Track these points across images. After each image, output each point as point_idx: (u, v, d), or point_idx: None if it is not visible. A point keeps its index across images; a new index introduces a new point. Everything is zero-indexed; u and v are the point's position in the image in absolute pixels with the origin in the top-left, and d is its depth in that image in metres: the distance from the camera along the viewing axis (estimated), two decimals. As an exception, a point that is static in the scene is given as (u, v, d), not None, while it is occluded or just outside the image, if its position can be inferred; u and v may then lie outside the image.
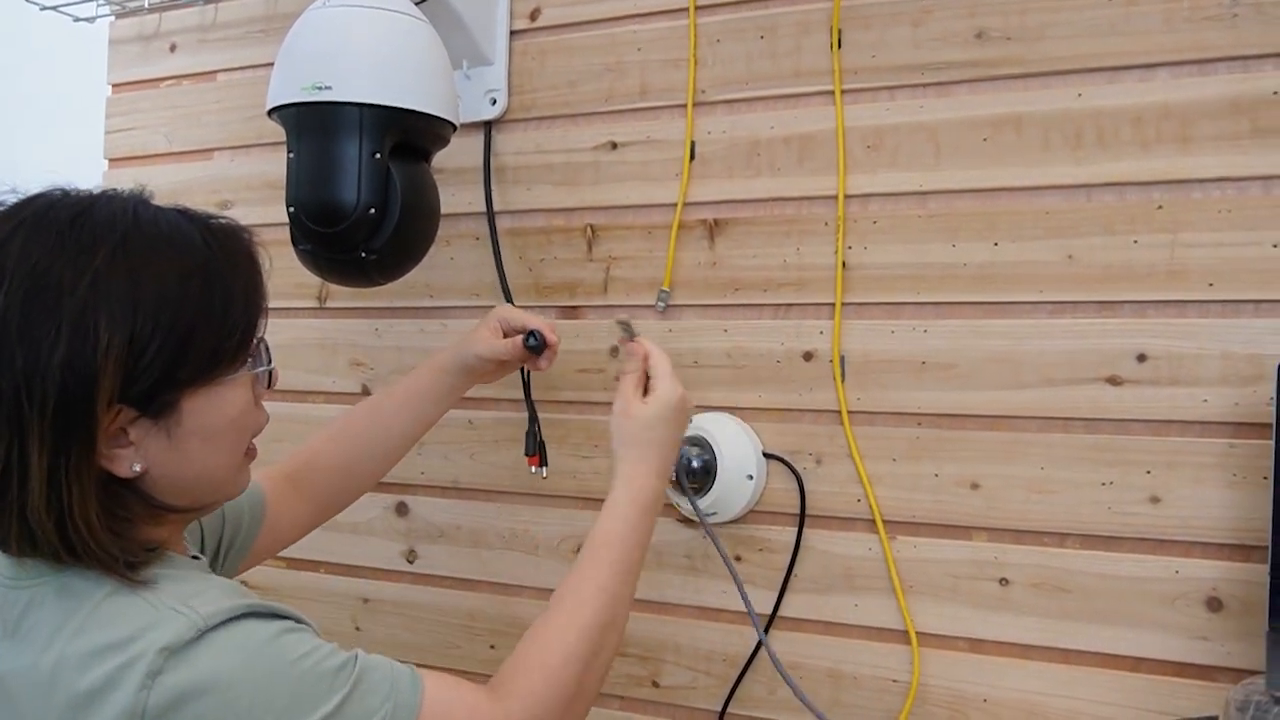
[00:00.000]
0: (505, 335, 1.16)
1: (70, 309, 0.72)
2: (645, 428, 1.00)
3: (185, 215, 0.80)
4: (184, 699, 0.70)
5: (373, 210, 1.13)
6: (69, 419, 0.73)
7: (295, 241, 1.20)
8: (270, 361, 0.87)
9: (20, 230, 0.75)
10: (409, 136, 1.16)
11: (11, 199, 0.79)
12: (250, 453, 0.87)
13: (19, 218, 0.76)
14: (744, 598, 1.18)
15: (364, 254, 1.15)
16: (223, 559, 1.04)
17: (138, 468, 0.77)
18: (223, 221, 0.83)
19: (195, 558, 0.89)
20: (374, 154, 1.12)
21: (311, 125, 1.14)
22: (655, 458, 1.00)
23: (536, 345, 1.15)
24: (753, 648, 1.23)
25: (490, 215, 1.37)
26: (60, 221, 0.75)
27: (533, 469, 1.33)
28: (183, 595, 0.75)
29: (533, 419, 1.33)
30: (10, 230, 0.75)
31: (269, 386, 0.87)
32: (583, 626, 0.89)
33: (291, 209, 1.16)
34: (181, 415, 0.78)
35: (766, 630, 1.22)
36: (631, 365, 1.04)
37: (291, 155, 1.15)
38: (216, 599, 0.75)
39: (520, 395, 1.35)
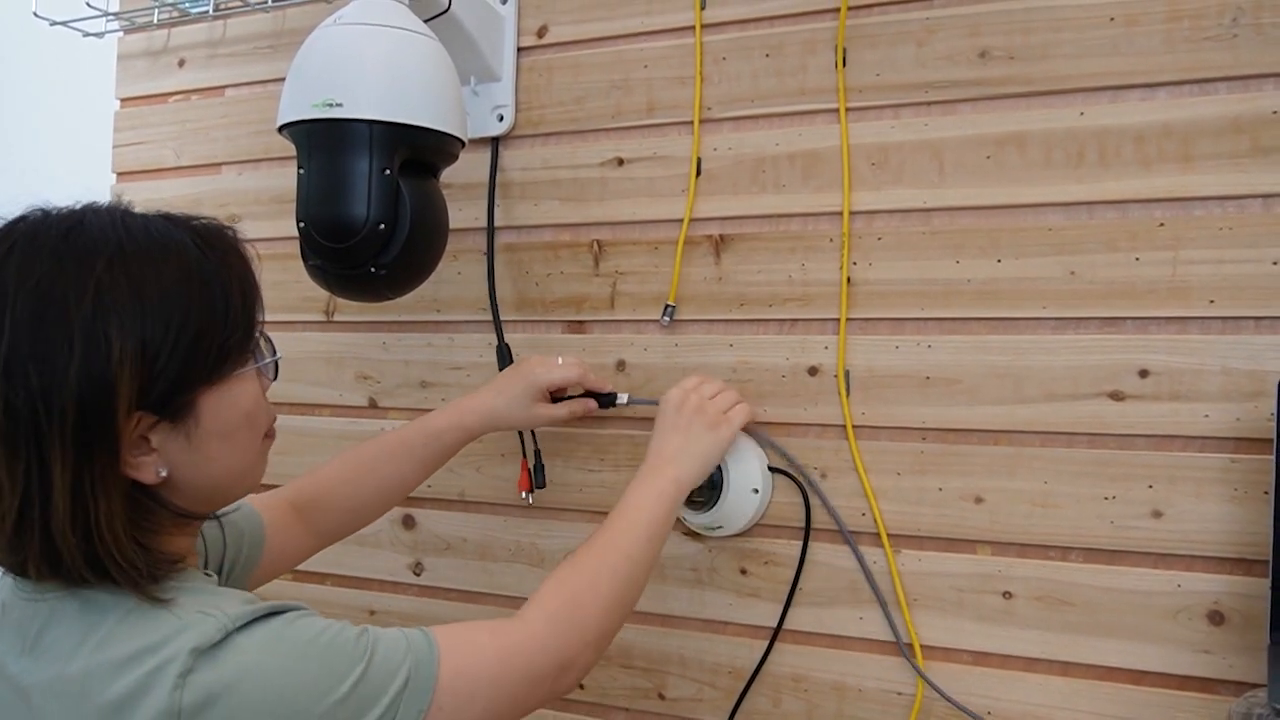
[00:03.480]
0: (552, 399, 1.24)
1: (80, 321, 0.73)
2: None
3: (170, 220, 0.82)
4: (217, 695, 0.72)
5: (383, 226, 1.14)
6: (90, 431, 0.74)
7: (305, 257, 1.20)
8: (275, 353, 0.88)
9: (14, 252, 0.76)
10: (418, 153, 1.17)
11: None
12: (270, 435, 0.89)
13: (9, 241, 0.77)
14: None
15: (373, 269, 1.16)
16: (224, 582, 1.05)
17: (163, 473, 0.78)
18: (206, 222, 0.84)
19: (208, 575, 0.90)
20: (384, 170, 1.13)
21: (322, 142, 1.14)
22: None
23: (609, 401, 1.26)
24: (758, 660, 1.24)
25: (490, 231, 1.38)
26: (53, 238, 0.76)
27: (523, 494, 1.36)
28: (204, 604, 0.76)
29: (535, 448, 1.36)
30: (3, 253, 0.76)
31: (274, 378, 0.89)
32: (609, 565, 0.99)
33: (302, 224, 1.17)
34: (200, 415, 0.79)
35: (771, 643, 1.24)
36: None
37: (302, 171, 1.16)
38: (238, 604, 0.77)
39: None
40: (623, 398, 1.27)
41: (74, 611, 0.78)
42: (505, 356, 1.37)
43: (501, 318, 1.38)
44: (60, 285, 0.74)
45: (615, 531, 1.02)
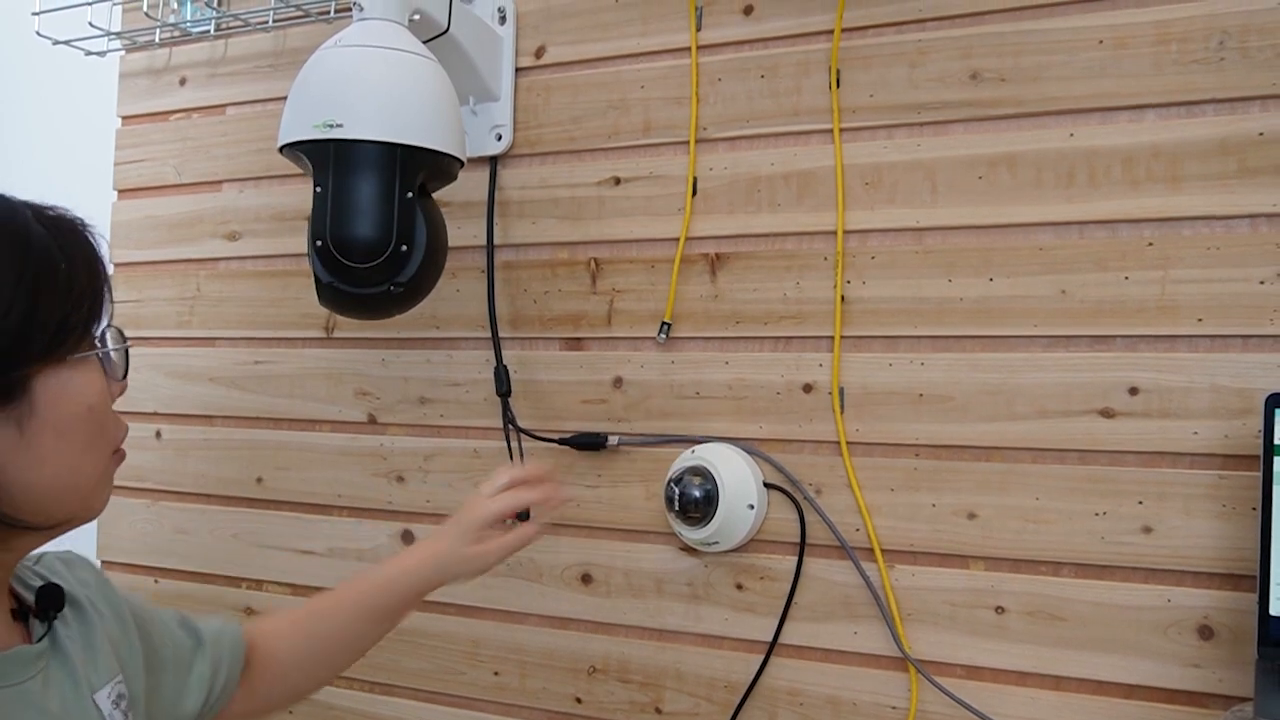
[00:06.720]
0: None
1: None
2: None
3: (11, 200, 0.76)
4: None
5: (405, 247, 1.16)
6: None
7: (317, 275, 1.20)
8: (125, 341, 0.80)
9: None
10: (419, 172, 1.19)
11: None
12: (119, 456, 0.81)
13: None
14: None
15: (390, 288, 1.17)
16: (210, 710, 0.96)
17: None
18: (57, 208, 0.78)
19: (33, 641, 0.79)
20: (405, 192, 1.15)
21: (339, 162, 1.16)
22: None
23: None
24: (754, 674, 1.25)
25: (489, 249, 1.39)
26: None
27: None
28: None
29: None
30: None
31: (123, 376, 0.80)
32: None
33: (319, 242, 1.16)
34: (34, 401, 0.72)
35: (767, 657, 1.25)
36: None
37: (319, 190, 1.16)
38: None
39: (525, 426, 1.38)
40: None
41: None
42: (503, 378, 1.38)
43: (500, 335, 1.39)
44: None
45: None
